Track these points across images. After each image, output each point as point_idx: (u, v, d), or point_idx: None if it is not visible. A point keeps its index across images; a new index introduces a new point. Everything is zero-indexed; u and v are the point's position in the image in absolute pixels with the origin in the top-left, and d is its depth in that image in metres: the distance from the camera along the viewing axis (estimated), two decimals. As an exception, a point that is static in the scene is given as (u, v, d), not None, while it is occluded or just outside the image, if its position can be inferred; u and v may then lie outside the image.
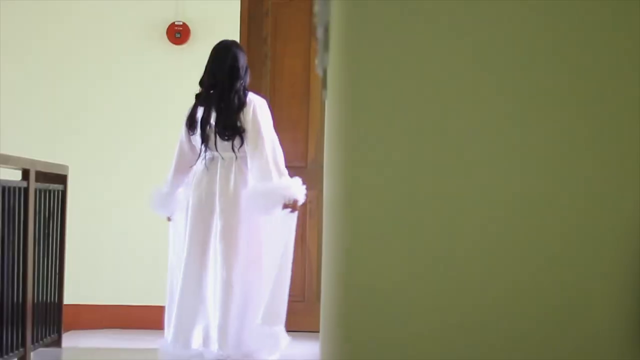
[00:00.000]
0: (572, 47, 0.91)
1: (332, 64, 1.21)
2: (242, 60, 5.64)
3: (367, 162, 0.86)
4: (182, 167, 5.63)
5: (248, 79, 5.65)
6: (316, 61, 4.11)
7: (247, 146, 5.56)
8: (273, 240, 5.56)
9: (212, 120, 5.55)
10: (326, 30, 2.79)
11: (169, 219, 5.67)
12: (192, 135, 5.58)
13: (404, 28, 0.84)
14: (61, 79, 6.83)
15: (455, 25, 0.88)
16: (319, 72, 4.02)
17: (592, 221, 0.92)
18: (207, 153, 5.57)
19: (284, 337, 5.49)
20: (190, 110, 5.61)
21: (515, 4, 0.88)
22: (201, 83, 5.62)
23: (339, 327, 0.86)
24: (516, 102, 0.90)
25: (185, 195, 5.62)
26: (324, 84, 3.85)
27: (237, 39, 6.60)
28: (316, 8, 3.15)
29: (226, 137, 5.53)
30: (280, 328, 5.48)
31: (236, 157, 5.59)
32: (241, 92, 5.58)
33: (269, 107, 5.75)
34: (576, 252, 0.91)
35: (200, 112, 5.58)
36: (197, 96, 5.61)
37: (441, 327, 0.88)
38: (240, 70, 5.59)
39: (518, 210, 0.90)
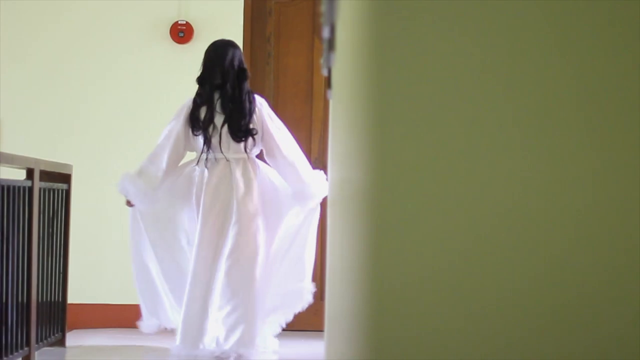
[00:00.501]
0: (606, 49, 0.91)
1: (351, 64, 1.20)
2: (243, 60, 5.68)
3: (395, 162, 0.86)
4: (174, 164, 5.59)
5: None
6: (321, 61, 4.11)
7: (274, 148, 5.61)
8: (295, 234, 5.65)
9: (217, 122, 5.54)
10: (332, 30, 2.79)
11: (130, 204, 5.58)
12: (196, 135, 5.55)
13: (432, 28, 0.83)
14: (64, 78, 6.83)
15: (487, 26, 0.88)
16: (323, 71, 4.02)
17: (623, 221, 0.91)
18: (209, 154, 5.56)
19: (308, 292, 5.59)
20: (191, 109, 5.58)
21: (549, 4, 0.88)
22: (202, 82, 5.59)
23: (363, 328, 0.86)
24: (549, 103, 0.89)
25: (177, 194, 5.59)
26: (328, 84, 3.86)
27: (240, 38, 6.61)
28: (322, 8, 3.16)
29: (240, 139, 5.55)
30: (305, 284, 5.58)
31: (248, 158, 5.62)
32: (251, 94, 5.61)
33: (271, 105, 5.81)
34: (612, 252, 0.91)
35: (203, 112, 5.57)
36: (199, 95, 5.59)
37: (470, 324, 0.87)
38: (247, 71, 5.63)
39: (549, 210, 0.90)
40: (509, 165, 0.89)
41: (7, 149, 6.31)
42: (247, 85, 5.62)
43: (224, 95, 5.54)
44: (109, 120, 6.83)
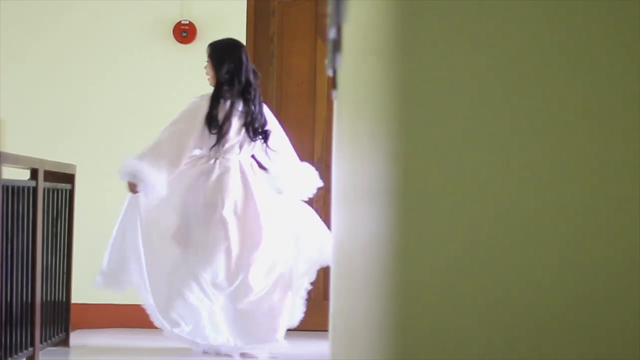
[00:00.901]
0: None
1: (373, 64, 1.20)
2: None
3: (423, 156, 0.85)
4: (184, 159, 5.61)
5: None
6: (325, 61, 4.12)
7: (273, 145, 5.71)
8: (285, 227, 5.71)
9: (235, 121, 5.62)
10: (339, 31, 2.80)
11: (134, 191, 5.61)
12: (213, 133, 5.60)
13: (464, 26, 0.83)
14: (66, 78, 6.84)
15: (525, 24, 0.88)
16: (328, 72, 4.02)
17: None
18: (217, 152, 5.61)
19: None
20: (210, 107, 5.63)
21: (587, 3, 0.87)
22: (231, 80, 5.63)
23: (390, 328, 0.86)
24: (592, 104, 0.89)
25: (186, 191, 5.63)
26: (334, 84, 3.86)
27: (244, 38, 6.62)
28: (328, 9, 3.17)
29: (256, 139, 5.68)
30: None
31: (252, 157, 5.75)
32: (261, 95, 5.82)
33: (274, 106, 5.88)
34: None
35: (221, 110, 5.63)
36: (227, 92, 5.62)
37: (508, 325, 0.87)
38: (258, 73, 5.82)
39: (591, 214, 0.89)
40: (543, 158, 0.89)
41: (9, 149, 6.31)
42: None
43: (247, 96, 5.61)
44: (111, 120, 6.84)
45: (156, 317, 5.57)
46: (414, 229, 0.85)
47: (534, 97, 0.88)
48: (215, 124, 5.60)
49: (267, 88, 6.76)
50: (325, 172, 6.71)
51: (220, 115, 5.64)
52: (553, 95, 0.89)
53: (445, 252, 0.85)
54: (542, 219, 0.88)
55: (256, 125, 5.67)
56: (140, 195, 5.58)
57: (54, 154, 6.33)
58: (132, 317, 6.53)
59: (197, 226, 5.58)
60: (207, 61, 5.78)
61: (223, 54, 5.72)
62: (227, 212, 5.55)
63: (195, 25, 6.82)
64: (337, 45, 2.87)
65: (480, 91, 0.87)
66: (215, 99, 5.66)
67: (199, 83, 6.16)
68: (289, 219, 5.76)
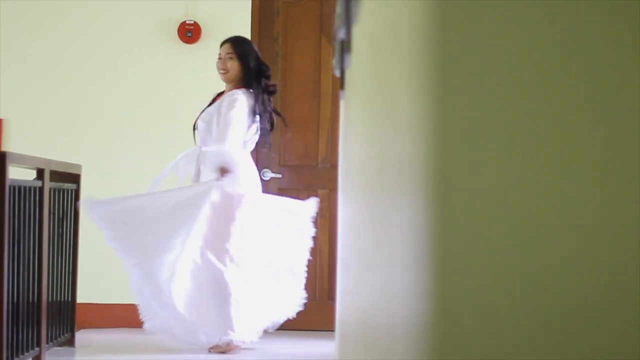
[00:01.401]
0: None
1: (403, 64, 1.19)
2: None
3: (462, 164, 0.85)
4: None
5: None
6: (333, 62, 4.11)
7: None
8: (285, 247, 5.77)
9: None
10: (349, 31, 2.80)
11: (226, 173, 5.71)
12: (266, 126, 5.83)
13: (499, 26, 0.82)
14: (70, 78, 6.83)
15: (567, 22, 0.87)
16: (336, 72, 4.02)
17: None
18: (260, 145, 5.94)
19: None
20: (260, 102, 5.79)
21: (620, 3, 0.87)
22: (251, 75, 5.84)
23: (426, 329, 0.85)
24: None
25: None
26: (341, 84, 3.86)
27: (248, 38, 6.63)
28: (338, 9, 3.16)
29: (268, 133, 5.90)
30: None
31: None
32: None
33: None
34: None
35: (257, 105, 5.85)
36: (272, 86, 5.93)
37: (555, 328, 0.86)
38: None
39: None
40: (592, 152, 0.88)
41: (11, 149, 6.31)
42: None
43: (271, 89, 5.91)
44: (115, 120, 6.84)
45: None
46: (453, 221, 0.84)
47: (584, 89, 0.87)
48: (268, 117, 5.85)
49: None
50: (329, 172, 6.72)
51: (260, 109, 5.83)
52: (602, 90, 0.87)
53: (487, 241, 0.84)
54: (589, 207, 0.87)
55: (270, 118, 5.93)
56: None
57: (57, 154, 6.32)
58: (137, 317, 6.53)
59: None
60: (229, 56, 5.84)
61: (248, 49, 5.89)
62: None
63: (200, 25, 6.82)
64: (346, 45, 2.87)
65: (523, 86, 0.86)
66: (255, 94, 5.82)
67: (203, 83, 6.17)
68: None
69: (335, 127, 6.84)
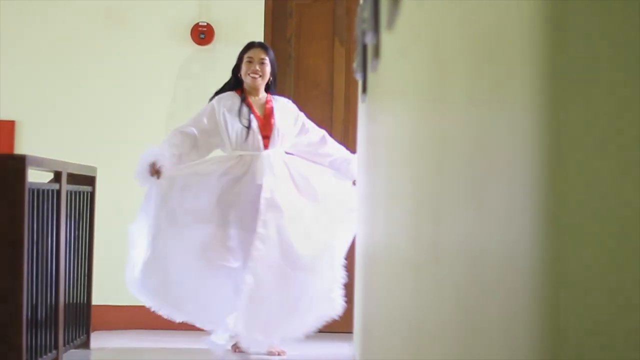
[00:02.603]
0: None
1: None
2: None
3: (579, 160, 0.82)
4: None
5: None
6: (354, 65, 4.11)
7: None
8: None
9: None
10: (378, 35, 2.79)
11: None
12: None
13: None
14: (84, 80, 6.83)
15: None
16: (357, 76, 4.02)
17: None
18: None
19: None
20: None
21: None
22: (273, 82, 6.00)
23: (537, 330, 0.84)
24: None
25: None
26: (364, 88, 3.86)
27: (261, 40, 6.63)
28: (365, 14, 3.16)
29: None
30: None
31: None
32: None
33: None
34: None
35: None
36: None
37: None
38: None
39: None
40: None
41: (24, 151, 6.30)
42: None
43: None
44: (128, 121, 6.84)
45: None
46: (569, 229, 0.82)
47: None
48: None
49: (285, 89, 6.75)
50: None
51: None
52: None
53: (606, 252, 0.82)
54: None
55: None
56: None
57: (69, 156, 6.32)
58: (152, 319, 6.53)
59: None
60: (263, 60, 5.86)
61: (274, 56, 6.01)
62: None
63: (213, 26, 6.82)
64: (374, 50, 2.87)
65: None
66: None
67: (217, 84, 6.15)
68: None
69: (349, 129, 6.84)
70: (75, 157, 6.13)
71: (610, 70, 0.82)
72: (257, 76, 5.82)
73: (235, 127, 5.74)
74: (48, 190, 4.87)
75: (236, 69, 5.94)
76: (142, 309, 6.53)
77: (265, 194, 5.58)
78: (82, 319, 5.69)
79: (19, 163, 4.41)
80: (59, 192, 5.02)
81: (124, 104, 6.85)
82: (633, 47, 0.81)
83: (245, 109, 5.78)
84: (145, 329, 6.60)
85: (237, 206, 5.63)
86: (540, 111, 0.86)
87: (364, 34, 3.20)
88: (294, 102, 6.16)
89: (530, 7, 0.89)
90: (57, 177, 5.08)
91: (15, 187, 4.36)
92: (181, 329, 6.20)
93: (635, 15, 0.81)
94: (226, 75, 6.10)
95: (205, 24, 6.81)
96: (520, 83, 0.92)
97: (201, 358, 5.65)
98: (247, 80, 5.84)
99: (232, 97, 5.85)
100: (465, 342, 1.20)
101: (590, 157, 0.82)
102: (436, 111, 1.50)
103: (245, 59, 5.86)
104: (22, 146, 6.78)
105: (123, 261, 6.69)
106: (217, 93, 5.94)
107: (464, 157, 1.24)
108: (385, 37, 2.52)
